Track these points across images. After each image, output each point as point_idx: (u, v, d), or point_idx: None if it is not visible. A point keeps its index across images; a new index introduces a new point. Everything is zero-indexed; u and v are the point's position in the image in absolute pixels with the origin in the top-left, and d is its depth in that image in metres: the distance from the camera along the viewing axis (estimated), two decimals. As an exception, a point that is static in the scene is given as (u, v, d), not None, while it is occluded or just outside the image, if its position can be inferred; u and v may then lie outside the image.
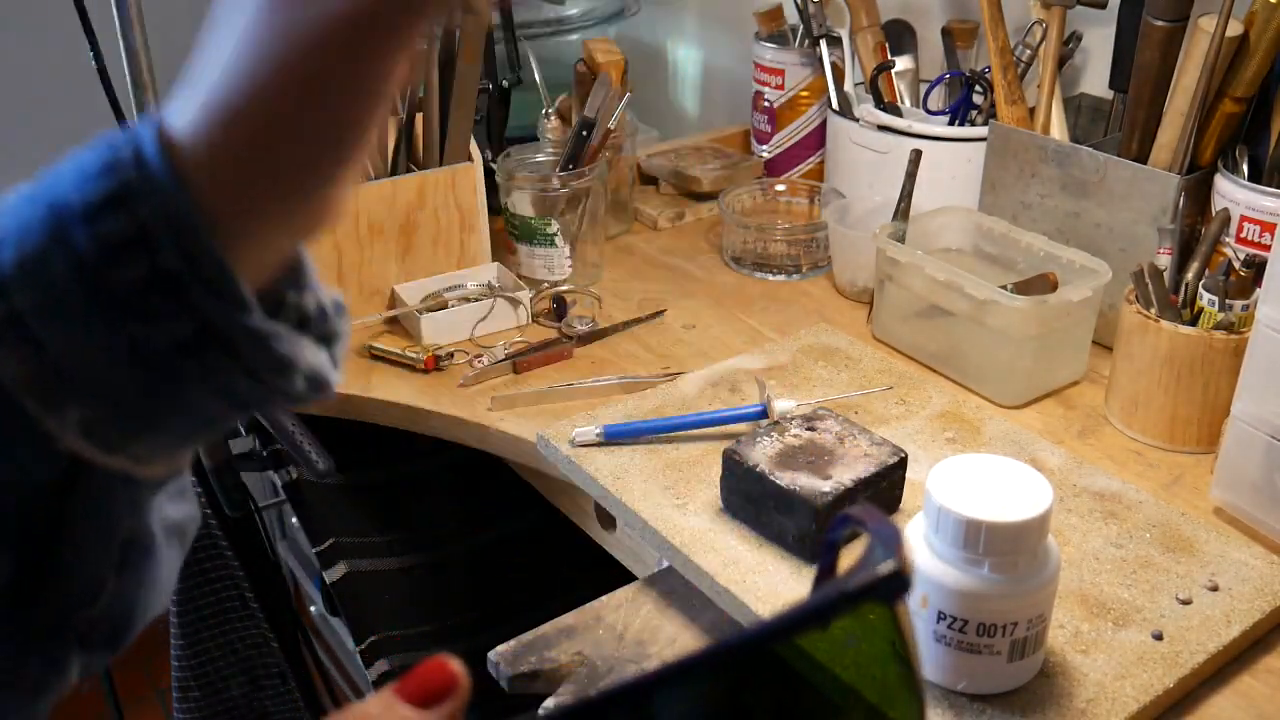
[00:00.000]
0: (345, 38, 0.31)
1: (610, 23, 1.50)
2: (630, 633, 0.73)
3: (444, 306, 1.04)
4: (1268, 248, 0.85)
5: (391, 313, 1.06)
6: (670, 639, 0.73)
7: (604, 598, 0.76)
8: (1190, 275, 0.86)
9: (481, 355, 1.00)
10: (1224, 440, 0.77)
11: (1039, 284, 0.92)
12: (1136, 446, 0.87)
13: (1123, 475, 0.81)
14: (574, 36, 1.45)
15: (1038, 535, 0.60)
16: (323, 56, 0.31)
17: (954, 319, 0.93)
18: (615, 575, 0.86)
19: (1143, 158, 0.94)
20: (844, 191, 1.17)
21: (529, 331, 1.06)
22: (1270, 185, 0.86)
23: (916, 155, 1.05)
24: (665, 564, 0.77)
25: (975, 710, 0.62)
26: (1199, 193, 0.91)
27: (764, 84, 1.27)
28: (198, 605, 1.19)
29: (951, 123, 1.13)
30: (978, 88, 1.11)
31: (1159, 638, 0.66)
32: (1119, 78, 1.00)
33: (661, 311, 1.07)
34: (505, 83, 1.27)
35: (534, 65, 1.23)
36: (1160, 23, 0.90)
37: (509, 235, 1.12)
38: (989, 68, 1.05)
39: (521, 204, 1.09)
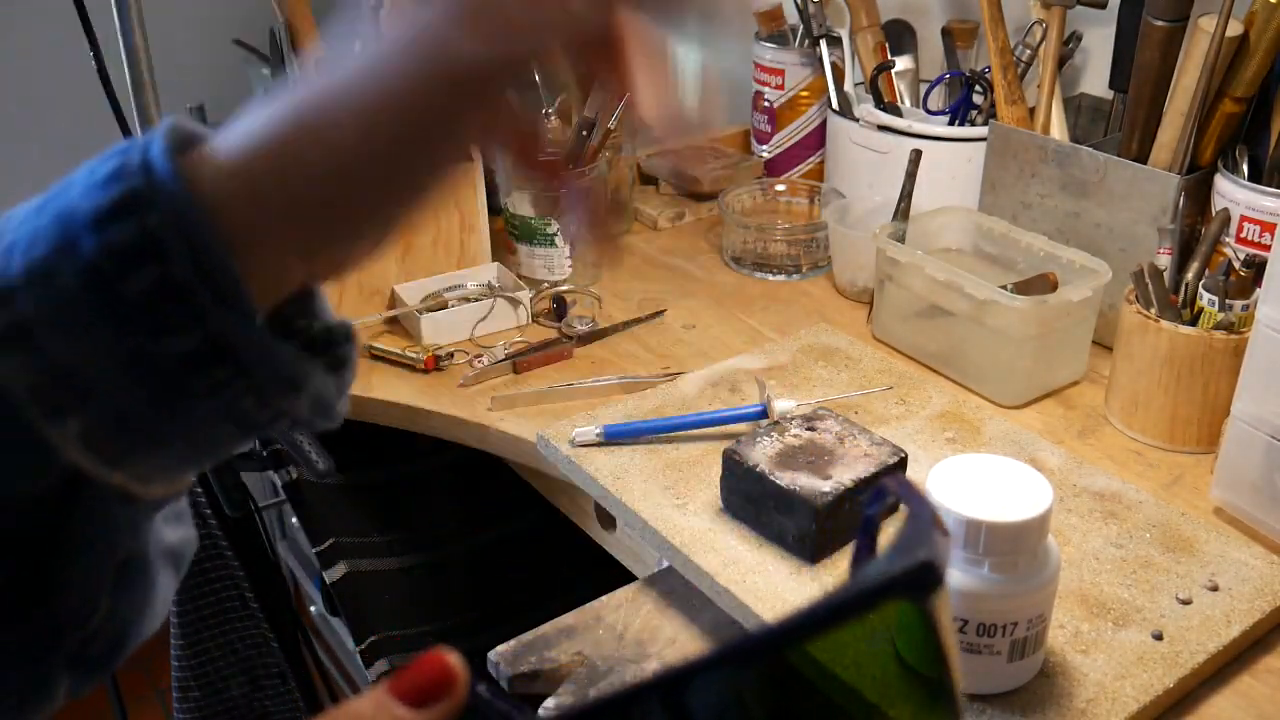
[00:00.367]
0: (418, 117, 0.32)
1: (610, 23, 1.50)
2: (630, 633, 0.73)
3: (444, 306, 1.04)
4: (1268, 248, 0.85)
5: (391, 313, 1.06)
6: (670, 639, 0.73)
7: (604, 598, 0.76)
8: (1190, 275, 0.86)
9: (481, 355, 1.00)
10: (1224, 440, 0.77)
11: (1039, 284, 0.92)
12: (1136, 446, 0.87)
13: (1123, 475, 0.81)
14: (574, 36, 1.45)
15: (1038, 535, 0.60)
16: (400, 121, 0.32)
17: (954, 319, 0.93)
18: (615, 575, 0.86)
19: (1143, 158, 0.94)
20: (844, 191, 1.17)
21: (529, 331, 1.06)
22: (1270, 185, 0.86)
23: (916, 155, 1.05)
24: (665, 564, 0.77)
25: (975, 710, 0.62)
26: (1199, 193, 0.91)
27: (764, 84, 1.27)
28: (198, 605, 1.19)
29: (951, 123, 1.13)
30: (978, 88, 1.11)
31: (1159, 638, 0.66)
32: (1119, 78, 1.00)
33: (661, 311, 1.07)
34: (505, 83, 1.27)
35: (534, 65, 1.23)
36: (1160, 23, 0.90)
37: (509, 235, 1.12)
38: (989, 68, 1.05)
39: (521, 204, 1.09)
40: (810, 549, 0.71)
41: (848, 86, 1.19)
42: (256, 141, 0.32)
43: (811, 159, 1.28)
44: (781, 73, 1.25)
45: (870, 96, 1.15)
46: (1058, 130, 1.02)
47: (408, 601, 1.13)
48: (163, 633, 1.24)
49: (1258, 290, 0.77)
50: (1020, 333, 0.88)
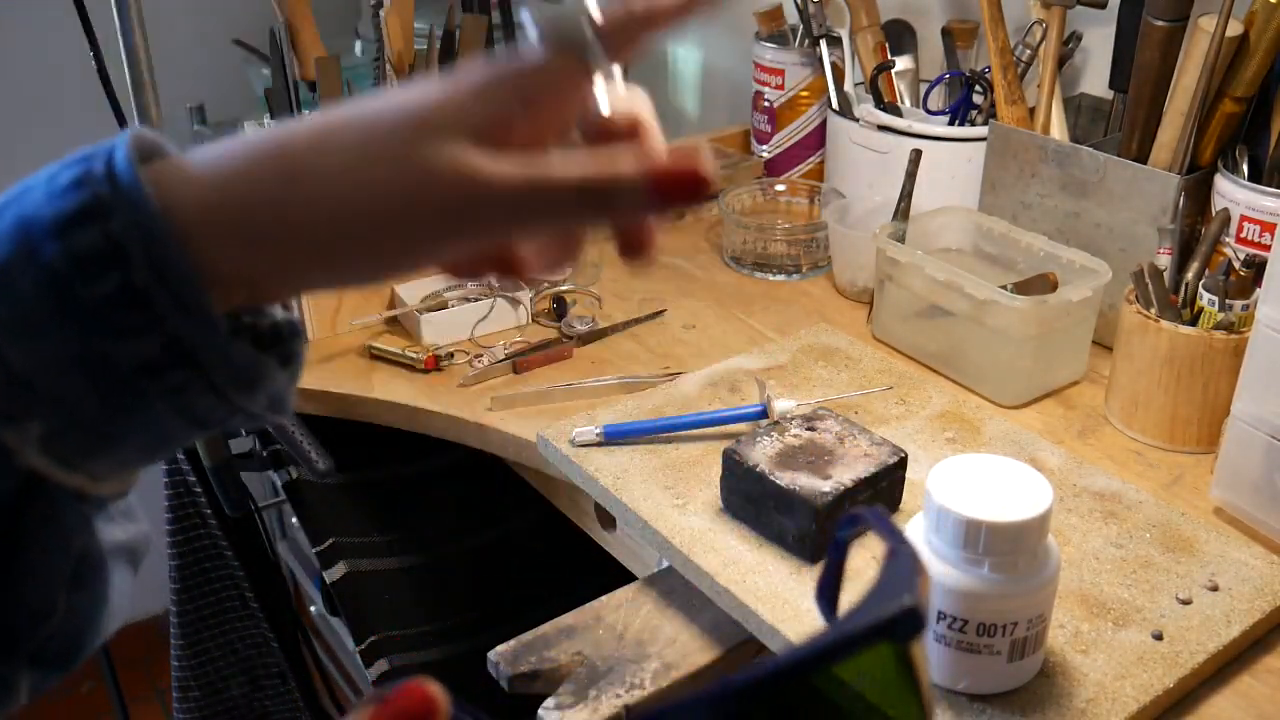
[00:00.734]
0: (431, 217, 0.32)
1: (610, 23, 1.50)
2: (630, 633, 0.73)
3: (444, 306, 1.04)
4: (1268, 248, 0.85)
5: (391, 313, 1.06)
6: (670, 639, 0.73)
7: (604, 598, 0.76)
8: (1190, 275, 0.86)
9: (481, 355, 1.00)
10: (1224, 440, 0.77)
11: (1039, 284, 0.92)
12: (1136, 446, 0.87)
13: (1123, 475, 0.81)
14: (574, 36, 1.45)
15: (1038, 535, 0.60)
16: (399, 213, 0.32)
17: (954, 319, 0.93)
18: (615, 575, 0.86)
19: (1143, 158, 0.94)
20: (844, 191, 1.17)
21: (529, 331, 1.06)
22: (1270, 185, 0.86)
23: (916, 155, 1.05)
24: (665, 564, 0.77)
25: (975, 710, 0.62)
26: (1199, 193, 0.91)
27: (764, 84, 1.28)
28: (198, 605, 1.19)
29: (951, 123, 1.13)
30: (978, 88, 1.11)
31: (1159, 638, 0.66)
32: (1119, 78, 1.00)
33: (661, 311, 1.07)
34: (505, 83, 1.27)
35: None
36: (1160, 23, 0.90)
37: (509, 235, 1.12)
38: (989, 68, 1.05)
39: (521, 204, 1.09)
40: (810, 549, 0.71)
41: (848, 86, 1.19)
42: (233, 164, 0.32)
43: (811, 159, 1.28)
44: (781, 73, 1.25)
45: (870, 96, 1.15)
46: (1058, 130, 1.02)
47: (408, 601, 1.13)
48: (163, 633, 1.24)
49: (1258, 290, 0.77)
50: (1020, 333, 0.88)
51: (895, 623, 0.29)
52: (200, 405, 0.32)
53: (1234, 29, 0.86)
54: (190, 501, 1.14)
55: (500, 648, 0.72)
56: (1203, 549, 0.73)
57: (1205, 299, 0.83)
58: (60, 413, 0.31)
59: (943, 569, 0.60)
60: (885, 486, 0.75)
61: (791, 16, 1.27)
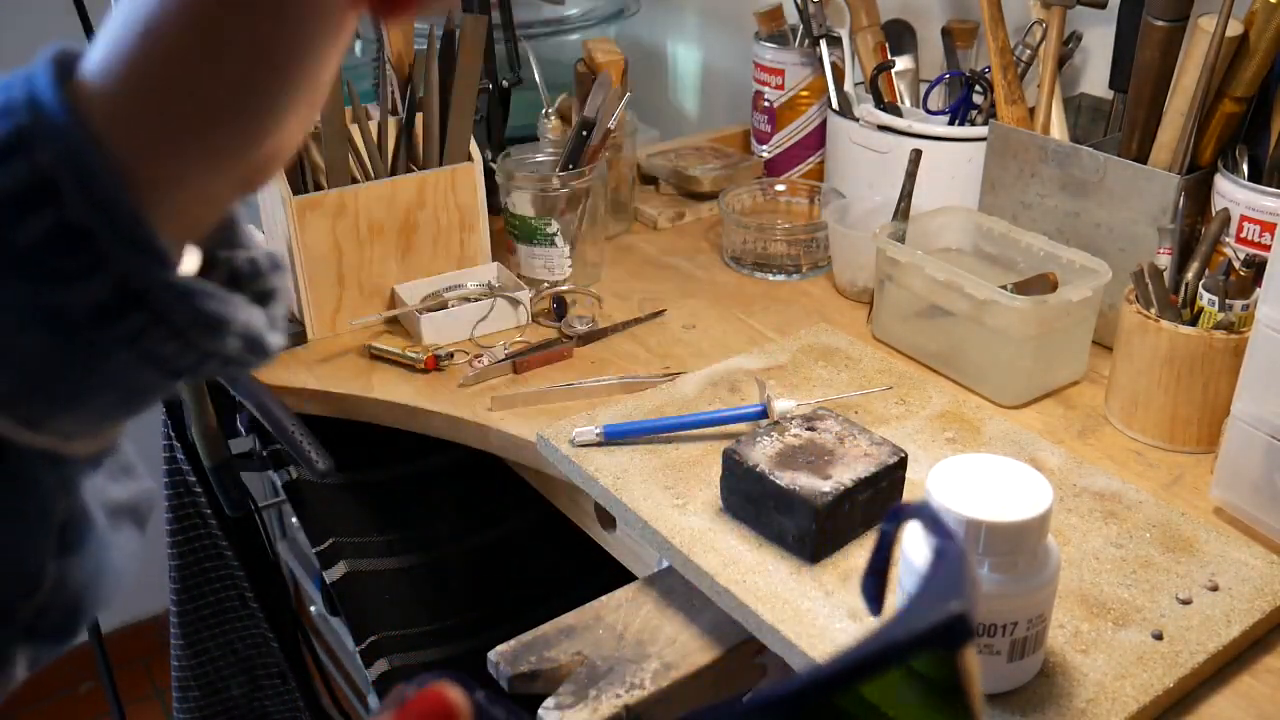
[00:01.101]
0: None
1: (610, 23, 1.50)
2: (630, 633, 0.73)
3: (444, 306, 1.04)
4: (1268, 248, 0.85)
5: (391, 313, 1.06)
6: (670, 639, 0.73)
7: (604, 598, 0.76)
8: (1190, 275, 0.86)
9: (481, 355, 1.00)
10: (1224, 440, 0.77)
11: (1039, 284, 0.92)
12: (1136, 446, 0.87)
13: (1123, 475, 0.81)
14: (574, 36, 1.45)
15: (1038, 535, 0.60)
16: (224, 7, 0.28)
17: (954, 319, 0.93)
18: (615, 575, 0.86)
19: (1143, 158, 0.94)
20: (844, 191, 1.17)
21: (529, 331, 1.06)
22: (1270, 185, 0.86)
23: (916, 155, 1.05)
24: (665, 564, 0.77)
25: (975, 710, 0.62)
26: (1199, 193, 0.91)
27: (764, 84, 1.28)
28: (198, 605, 1.19)
29: (951, 123, 1.13)
30: (978, 88, 1.11)
31: (1159, 638, 0.66)
32: (1119, 78, 1.00)
33: (661, 311, 1.07)
34: (505, 83, 1.27)
35: (534, 65, 1.23)
36: (1160, 23, 0.90)
37: (509, 235, 1.12)
38: (989, 68, 1.05)
39: (521, 204, 1.09)
40: (810, 549, 0.71)
41: (848, 86, 1.19)
42: (111, 56, 0.29)
43: (811, 159, 1.28)
44: (781, 73, 1.25)
45: (870, 96, 1.15)
46: (1058, 130, 1.02)
47: (408, 601, 1.13)
48: (163, 633, 1.24)
49: (1258, 290, 0.77)
50: (1020, 333, 0.88)
51: (944, 630, 0.27)
52: (165, 350, 0.29)
53: (1234, 29, 0.86)
54: (190, 501, 1.14)
55: (500, 648, 0.72)
56: (1203, 549, 0.73)
57: (1205, 299, 0.83)
58: (14, 370, 0.28)
59: (943, 569, 0.60)
60: (885, 486, 0.75)
61: (791, 16, 1.27)
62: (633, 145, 1.25)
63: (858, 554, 0.73)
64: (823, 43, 1.19)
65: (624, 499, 0.77)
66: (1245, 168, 0.89)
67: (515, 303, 1.05)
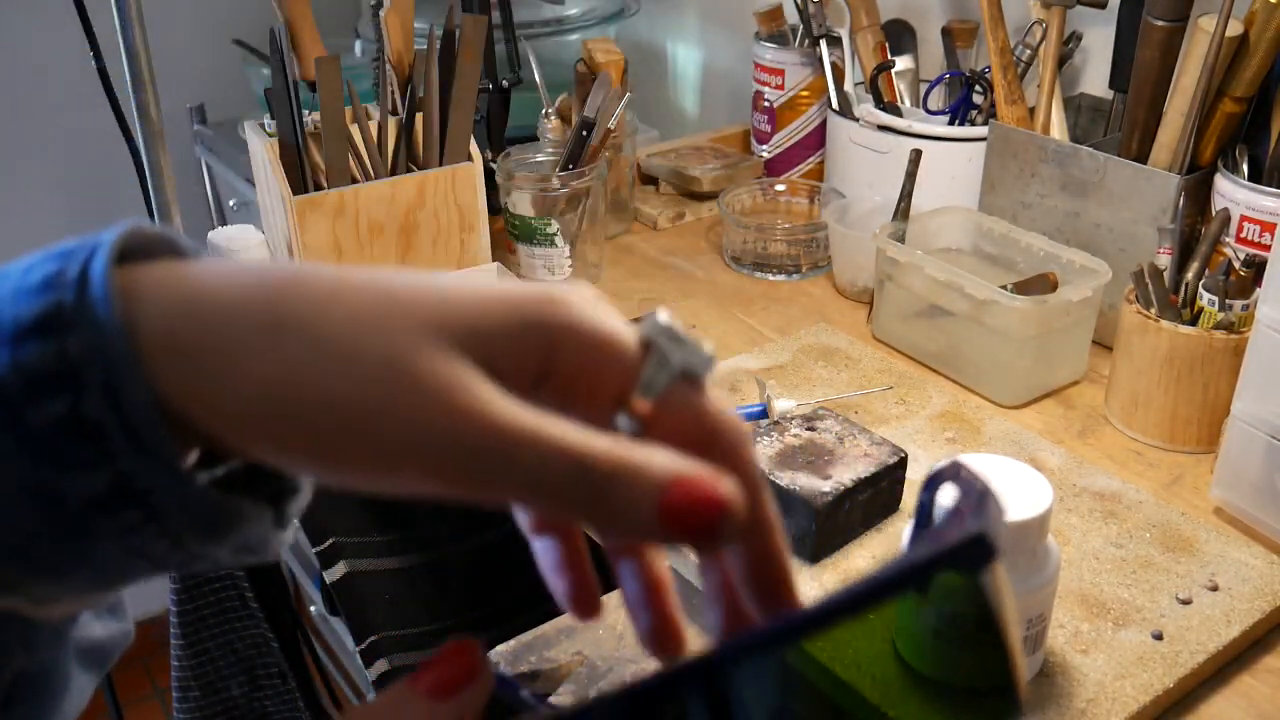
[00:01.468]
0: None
1: (610, 23, 1.50)
2: (630, 633, 0.73)
3: (444, 306, 1.04)
4: (1268, 248, 0.85)
5: (391, 313, 1.06)
6: (670, 639, 0.73)
7: (604, 597, 0.76)
8: (1190, 275, 0.86)
9: (481, 355, 1.00)
10: (1224, 440, 0.77)
11: (1039, 284, 0.92)
12: (1136, 446, 0.87)
13: (1123, 475, 0.81)
14: (574, 36, 1.45)
15: (1038, 535, 0.60)
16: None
17: (954, 319, 0.93)
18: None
19: (1143, 158, 0.94)
20: (844, 191, 1.17)
21: (529, 331, 1.05)
22: (1270, 185, 0.86)
23: (916, 155, 1.05)
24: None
25: (975, 710, 0.62)
26: (1199, 193, 0.91)
27: (764, 84, 1.28)
28: (197, 605, 1.19)
29: (951, 123, 1.13)
30: (978, 88, 1.11)
31: (1159, 638, 0.66)
32: (1119, 78, 1.00)
33: (661, 311, 1.07)
34: (505, 83, 1.27)
35: (534, 65, 1.23)
36: (1160, 23, 0.90)
37: (509, 235, 1.12)
38: (989, 68, 1.05)
39: (521, 204, 1.09)
40: (810, 549, 0.71)
41: (848, 86, 1.19)
42: (219, 287, 0.27)
43: (811, 159, 1.28)
44: (781, 73, 1.25)
45: (870, 96, 1.15)
46: (1058, 130, 1.02)
47: (408, 601, 1.13)
48: (162, 633, 1.24)
49: (1258, 290, 0.77)
50: (1020, 333, 0.88)
51: (964, 549, 0.26)
52: (155, 549, 0.28)
53: (1234, 29, 0.86)
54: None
55: (500, 647, 0.72)
56: (1203, 549, 0.73)
57: (1205, 299, 0.83)
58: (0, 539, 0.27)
59: (943, 569, 0.60)
60: (885, 486, 0.75)
61: (791, 16, 1.27)
62: (633, 145, 1.25)
63: (858, 554, 0.73)
64: (823, 43, 1.19)
65: (624, 499, 0.77)
66: (1245, 168, 0.89)
67: (515, 303, 1.05)
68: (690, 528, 0.26)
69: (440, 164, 1.06)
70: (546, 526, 0.33)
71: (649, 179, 1.33)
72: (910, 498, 0.77)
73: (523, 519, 0.33)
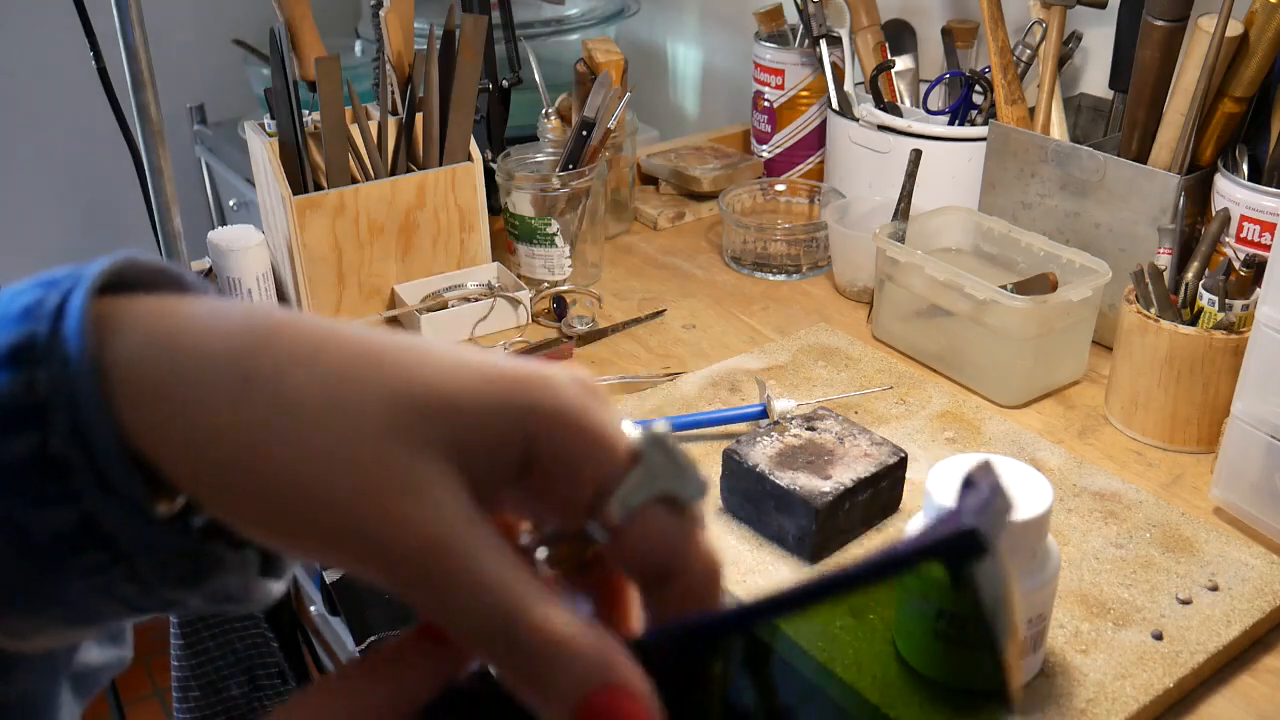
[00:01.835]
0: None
1: (610, 23, 1.50)
2: (630, 633, 0.73)
3: (444, 306, 1.04)
4: (1268, 247, 0.85)
5: (391, 313, 1.06)
6: (670, 639, 0.73)
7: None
8: (1190, 275, 0.86)
9: (481, 355, 1.00)
10: (1224, 440, 0.77)
11: (1039, 284, 0.92)
12: (1136, 446, 0.87)
13: (1123, 475, 0.81)
14: (574, 36, 1.45)
15: (1037, 535, 0.60)
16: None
17: (954, 319, 0.93)
18: (615, 575, 0.86)
19: (1143, 158, 0.94)
20: (844, 191, 1.17)
21: (529, 331, 1.06)
22: (1270, 185, 0.86)
23: (916, 155, 1.05)
24: (665, 564, 0.77)
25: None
26: (1199, 193, 0.91)
27: (764, 84, 1.28)
28: (198, 605, 1.19)
29: (951, 123, 1.13)
30: (978, 88, 1.11)
31: (1159, 638, 0.66)
32: (1119, 78, 1.00)
33: (661, 311, 1.07)
34: (505, 83, 1.27)
35: (534, 65, 1.23)
36: (1160, 23, 0.90)
37: (509, 235, 1.12)
38: (989, 68, 1.05)
39: (521, 204, 1.09)
40: (810, 549, 0.71)
41: (848, 86, 1.19)
42: (202, 329, 0.26)
43: (811, 159, 1.28)
44: (781, 73, 1.25)
45: (870, 96, 1.15)
46: (1058, 130, 1.02)
47: (408, 601, 1.13)
48: (163, 633, 1.24)
49: (1258, 290, 0.77)
50: (1020, 333, 0.88)
51: (953, 541, 0.25)
52: (124, 591, 0.27)
53: (1234, 29, 0.86)
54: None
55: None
56: (1203, 549, 0.73)
57: (1205, 299, 0.83)
58: None
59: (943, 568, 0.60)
60: (885, 486, 0.75)
61: (791, 16, 1.27)
62: (633, 145, 1.25)
63: (858, 554, 0.73)
64: (823, 43, 1.19)
65: (624, 499, 0.77)
66: (1245, 168, 0.89)
67: (515, 303, 1.05)
68: None
69: (440, 164, 1.06)
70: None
71: (649, 179, 1.33)
72: (910, 498, 0.77)
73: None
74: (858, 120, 1.14)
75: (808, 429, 0.77)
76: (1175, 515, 0.76)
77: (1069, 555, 0.72)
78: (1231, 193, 0.88)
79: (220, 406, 0.25)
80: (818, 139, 1.26)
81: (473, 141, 1.07)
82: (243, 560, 0.28)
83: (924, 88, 1.17)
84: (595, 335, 1.03)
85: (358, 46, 1.60)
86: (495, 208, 1.11)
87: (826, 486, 0.71)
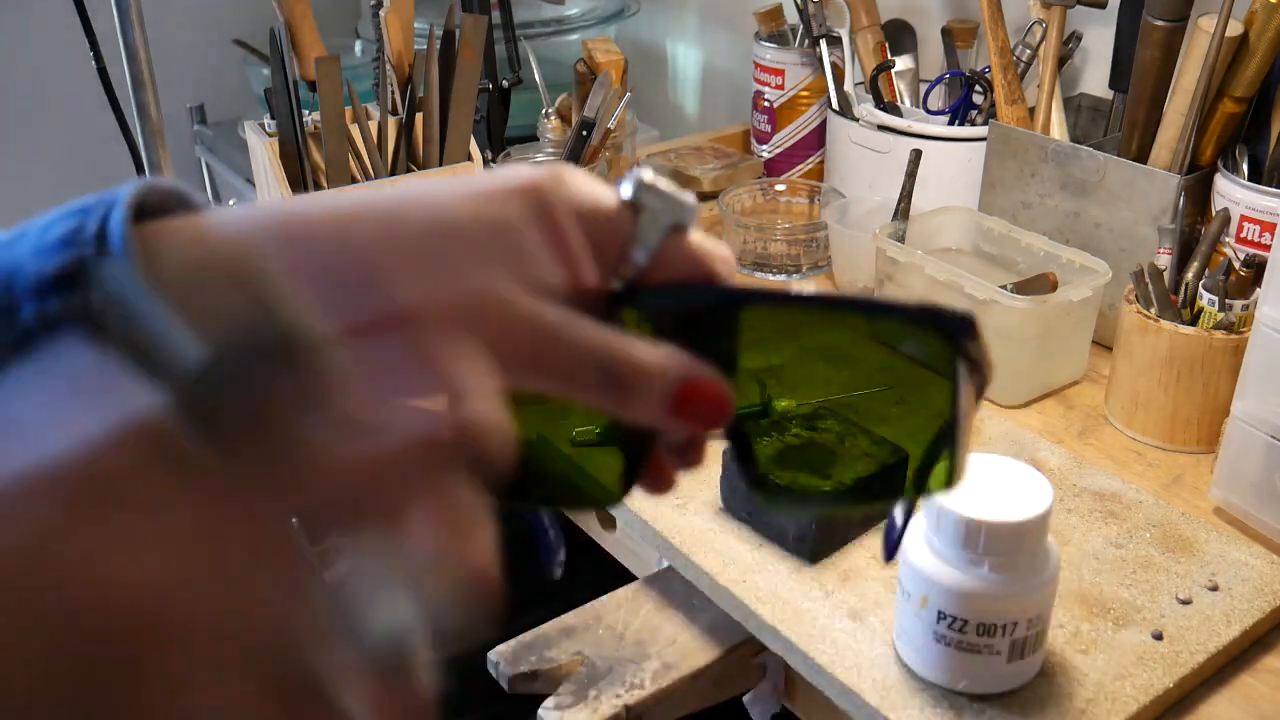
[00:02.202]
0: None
1: (610, 23, 1.50)
2: (630, 633, 0.73)
3: (444, 306, 1.04)
4: (1268, 247, 0.85)
5: (391, 313, 1.06)
6: (670, 639, 0.73)
7: (604, 598, 0.76)
8: (1190, 275, 0.86)
9: (481, 355, 1.00)
10: (1224, 440, 0.77)
11: (1039, 284, 0.92)
12: (1136, 446, 0.87)
13: (1123, 475, 0.81)
14: (574, 36, 1.45)
15: (1038, 535, 0.60)
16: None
17: (954, 319, 0.93)
18: (615, 575, 0.86)
19: (1143, 158, 0.94)
20: (844, 191, 1.17)
21: (529, 331, 1.05)
22: (1270, 185, 0.86)
23: (916, 155, 1.05)
24: (665, 564, 0.77)
25: (975, 710, 0.62)
26: (1199, 193, 0.91)
27: (764, 84, 1.28)
28: (198, 605, 1.19)
29: (951, 123, 1.13)
30: (978, 88, 1.11)
31: (1159, 638, 0.66)
32: (1119, 78, 1.00)
33: (661, 311, 1.07)
34: (505, 83, 1.27)
35: (534, 65, 1.23)
36: (1160, 23, 0.90)
37: (509, 235, 1.12)
38: (989, 68, 1.05)
39: (521, 204, 1.09)
40: (810, 548, 0.71)
41: (848, 86, 1.19)
42: (236, 228, 0.28)
43: (811, 159, 1.28)
44: (781, 73, 1.25)
45: (870, 96, 1.15)
46: (1058, 130, 1.02)
47: (408, 601, 1.13)
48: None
49: (1258, 290, 0.77)
50: (1020, 333, 0.88)
51: (949, 317, 0.30)
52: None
53: (1234, 29, 0.86)
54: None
55: (500, 648, 0.72)
56: (1203, 549, 0.73)
57: (1205, 299, 0.83)
58: None
59: (943, 569, 0.60)
60: (885, 486, 0.75)
61: (791, 16, 1.27)
62: (633, 145, 1.25)
63: (858, 554, 0.73)
64: (823, 43, 1.19)
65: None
66: (1245, 168, 0.89)
67: (515, 303, 1.05)
68: (695, 420, 0.32)
69: (440, 164, 1.06)
70: None
71: (649, 179, 1.33)
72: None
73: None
74: (858, 120, 1.14)
75: (808, 429, 0.77)
76: (1175, 515, 0.76)
77: (1069, 555, 0.72)
78: (1231, 193, 0.88)
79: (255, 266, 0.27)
80: (818, 139, 1.26)
81: (473, 141, 1.07)
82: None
83: (924, 88, 1.17)
84: (595, 335, 1.03)
85: (358, 46, 1.60)
86: (495, 208, 1.11)
87: (827, 486, 0.71)
